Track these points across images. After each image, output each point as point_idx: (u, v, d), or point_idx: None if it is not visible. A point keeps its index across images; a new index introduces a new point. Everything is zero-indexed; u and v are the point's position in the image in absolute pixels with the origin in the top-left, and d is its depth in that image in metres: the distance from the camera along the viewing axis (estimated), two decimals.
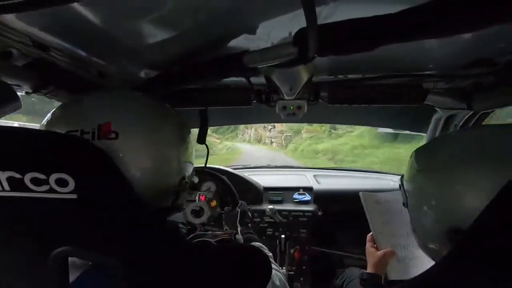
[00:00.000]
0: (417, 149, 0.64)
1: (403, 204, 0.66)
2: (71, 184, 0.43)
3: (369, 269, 0.87)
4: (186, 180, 0.68)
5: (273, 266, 0.73)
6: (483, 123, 1.12)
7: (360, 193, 1.04)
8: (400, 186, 0.67)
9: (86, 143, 0.50)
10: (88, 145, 0.48)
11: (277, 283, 0.67)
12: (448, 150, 0.56)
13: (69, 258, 0.44)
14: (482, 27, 0.42)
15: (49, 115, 0.60)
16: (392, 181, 1.76)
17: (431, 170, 0.56)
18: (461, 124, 1.14)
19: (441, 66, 0.81)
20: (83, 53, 0.65)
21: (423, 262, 0.75)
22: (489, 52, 0.69)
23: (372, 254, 0.89)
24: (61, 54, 0.64)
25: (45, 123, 0.58)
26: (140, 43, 0.61)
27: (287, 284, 0.73)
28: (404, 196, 0.64)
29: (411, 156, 0.64)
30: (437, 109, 1.13)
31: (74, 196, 0.43)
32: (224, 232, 0.71)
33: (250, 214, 1.16)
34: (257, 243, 0.93)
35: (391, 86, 0.93)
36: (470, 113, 1.07)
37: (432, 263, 0.60)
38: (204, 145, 0.84)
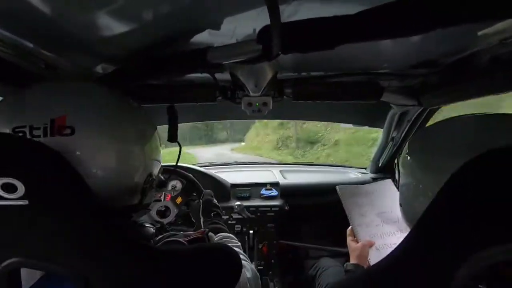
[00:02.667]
0: (414, 132, 0.72)
1: (394, 180, 0.74)
2: (21, 189, 0.39)
3: (352, 261, 0.91)
4: (154, 177, 0.65)
5: (242, 257, 0.73)
6: (431, 118, 1.23)
7: (337, 187, 1.07)
8: (395, 165, 0.74)
9: (34, 142, 0.45)
10: (36, 145, 0.44)
11: (248, 274, 0.67)
12: (428, 138, 0.64)
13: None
14: (429, 30, 0.46)
15: None
16: (354, 174, 1.86)
17: (416, 153, 0.63)
18: (412, 119, 1.24)
19: (394, 65, 0.87)
20: (28, 44, 0.59)
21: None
22: (434, 54, 0.76)
23: (353, 247, 0.93)
24: (2, 44, 0.57)
25: None
26: (95, 35, 0.57)
27: (257, 273, 0.73)
28: (397, 172, 0.71)
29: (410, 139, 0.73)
30: (392, 105, 1.21)
31: (25, 202, 0.40)
32: (196, 232, 0.70)
33: (215, 202, 1.14)
34: (224, 233, 0.92)
35: (351, 84, 0.98)
36: (420, 109, 1.17)
37: None
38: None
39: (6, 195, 0.39)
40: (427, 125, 1.22)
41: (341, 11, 0.47)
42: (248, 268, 0.68)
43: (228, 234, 0.93)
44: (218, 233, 0.91)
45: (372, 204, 1.02)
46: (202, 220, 1.04)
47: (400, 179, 0.69)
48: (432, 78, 0.89)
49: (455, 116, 0.63)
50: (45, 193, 0.42)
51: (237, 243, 0.89)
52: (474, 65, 0.74)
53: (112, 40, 0.60)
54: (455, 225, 0.39)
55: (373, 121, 1.52)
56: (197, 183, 1.17)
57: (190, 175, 1.19)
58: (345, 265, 0.92)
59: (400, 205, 0.70)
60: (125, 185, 0.58)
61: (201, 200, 1.10)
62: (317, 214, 1.68)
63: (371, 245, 0.92)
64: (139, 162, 0.60)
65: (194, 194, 1.18)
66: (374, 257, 0.91)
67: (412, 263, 0.42)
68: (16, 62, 0.66)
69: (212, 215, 1.06)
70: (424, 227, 0.44)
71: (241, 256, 0.74)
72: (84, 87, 0.59)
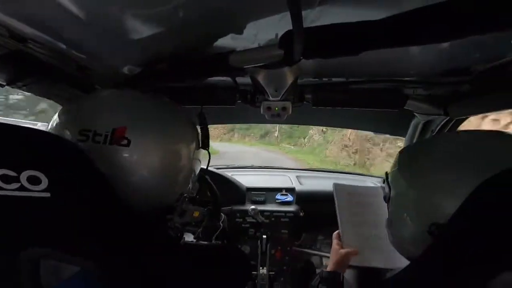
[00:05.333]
0: (401, 149, 0.67)
1: (384, 198, 0.68)
2: (44, 182, 0.41)
3: (330, 267, 0.88)
4: (190, 187, 0.69)
5: None
6: (458, 128, 1.17)
7: (334, 184, 1.05)
8: (384, 181, 0.69)
9: (60, 139, 0.47)
10: (62, 141, 0.46)
11: None
12: (428, 153, 0.59)
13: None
14: (459, 37, 0.44)
15: (56, 114, 0.59)
16: (372, 183, 1.81)
17: (409, 171, 0.59)
18: (437, 129, 1.19)
19: (421, 73, 0.84)
20: (63, 46, 0.63)
21: (388, 251, 0.76)
22: (465, 62, 0.73)
23: (336, 252, 0.90)
24: (39, 46, 0.61)
25: (55, 123, 0.57)
26: (124, 39, 0.60)
27: None
28: (388, 191, 0.66)
29: (396, 156, 0.67)
30: (416, 114, 1.17)
31: (47, 194, 0.41)
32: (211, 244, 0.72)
33: (227, 229, 1.16)
34: None
35: (373, 91, 0.96)
36: (446, 119, 1.12)
37: (396, 253, 0.63)
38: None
39: (30, 187, 0.41)
40: None
41: (365, 17, 0.46)
42: None
43: None
44: None
45: (368, 206, 0.99)
46: (214, 238, 1.06)
47: (391, 197, 0.64)
48: (461, 87, 0.85)
49: (450, 132, 0.61)
50: (67, 188, 0.43)
51: None
52: (506, 74, 0.70)
53: (140, 43, 0.62)
54: (476, 248, 0.37)
55: (395, 129, 1.47)
56: (217, 194, 1.14)
57: (208, 178, 1.17)
58: (320, 271, 0.89)
59: (389, 224, 0.66)
60: (171, 190, 0.62)
61: (221, 225, 1.12)
62: (332, 221, 1.64)
63: (355, 253, 0.89)
64: (186, 169, 0.64)
65: (208, 194, 1.18)
66: (355, 261, 0.89)
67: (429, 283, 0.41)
68: (52, 64, 0.69)
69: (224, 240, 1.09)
70: (444, 247, 0.43)
71: None
72: (143, 98, 0.63)
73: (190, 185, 0.69)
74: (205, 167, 0.81)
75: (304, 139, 14.74)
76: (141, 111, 0.59)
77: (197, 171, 0.71)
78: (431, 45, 0.54)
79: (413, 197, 0.56)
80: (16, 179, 0.40)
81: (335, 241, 0.94)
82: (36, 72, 0.69)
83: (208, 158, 0.80)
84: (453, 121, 1.13)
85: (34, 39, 0.59)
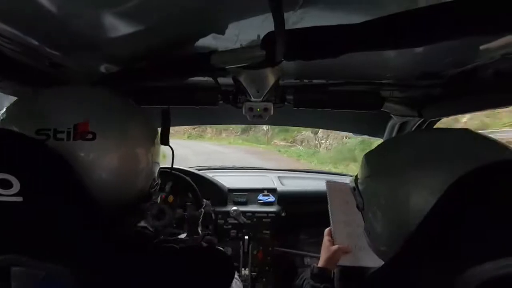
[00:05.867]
0: (367, 153, 0.63)
1: (357, 207, 0.64)
2: (16, 186, 0.39)
3: (320, 263, 0.90)
4: (157, 181, 0.67)
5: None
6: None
7: (327, 182, 1.07)
8: (354, 189, 0.64)
9: (33, 141, 0.45)
10: (35, 143, 0.44)
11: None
12: (397, 153, 0.56)
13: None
14: (433, 42, 0.46)
15: (3, 111, 0.54)
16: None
17: (381, 174, 0.56)
18: (413, 130, 1.24)
19: (397, 76, 0.87)
20: (34, 42, 0.59)
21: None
22: (437, 66, 0.76)
23: (327, 248, 0.92)
24: (8, 42, 0.57)
25: (2, 119, 0.53)
26: (100, 35, 0.57)
27: None
28: (359, 198, 0.61)
29: (362, 160, 0.63)
30: (392, 116, 1.21)
31: (19, 198, 0.39)
32: (192, 238, 0.70)
33: (213, 216, 1.14)
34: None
35: (352, 93, 0.99)
36: (420, 120, 1.17)
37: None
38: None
39: (1, 191, 0.39)
40: None
41: (345, 21, 0.47)
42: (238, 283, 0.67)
43: (220, 248, 0.93)
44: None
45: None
46: (199, 228, 1.04)
47: (365, 204, 0.60)
48: (434, 90, 0.89)
49: (412, 132, 0.60)
50: (40, 191, 0.41)
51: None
52: (476, 78, 0.74)
53: (118, 41, 0.60)
54: (450, 241, 0.39)
55: (374, 130, 1.52)
56: (195, 188, 1.16)
57: (188, 178, 1.17)
58: (312, 267, 0.90)
59: (369, 232, 0.61)
60: (135, 186, 0.60)
61: (202, 210, 1.10)
62: (314, 221, 1.66)
63: (345, 251, 0.91)
64: (147, 165, 0.63)
65: (190, 196, 1.16)
66: (346, 261, 0.90)
67: (402, 280, 0.42)
68: (21, 60, 0.65)
69: (209, 227, 1.07)
70: (415, 244, 0.44)
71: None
72: (102, 93, 0.61)
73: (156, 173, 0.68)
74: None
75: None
76: (101, 104, 0.58)
77: (158, 159, 0.70)
78: (406, 50, 0.56)
79: (387, 199, 0.53)
80: None
81: (326, 238, 0.96)
82: (4, 69, 0.65)
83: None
84: (427, 122, 1.18)
85: (2, 33, 0.55)
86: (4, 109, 0.56)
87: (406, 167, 0.52)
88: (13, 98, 0.70)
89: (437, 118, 1.11)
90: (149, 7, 0.48)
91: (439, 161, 0.49)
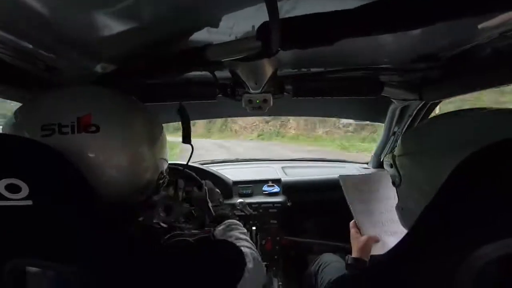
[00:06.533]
0: (404, 132, 0.67)
1: (393, 183, 0.66)
2: (25, 190, 0.40)
3: (354, 254, 0.90)
4: (165, 175, 0.68)
5: (247, 244, 0.73)
6: (433, 112, 1.22)
7: (339, 176, 1.07)
8: (391, 165, 0.66)
9: (38, 144, 0.46)
10: (40, 146, 0.45)
11: (250, 265, 0.66)
12: (435, 132, 0.57)
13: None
14: (429, 23, 0.46)
15: (13, 115, 0.56)
16: (356, 169, 1.85)
17: (418, 152, 0.58)
18: (414, 113, 1.23)
19: (395, 60, 0.87)
20: (28, 46, 0.59)
21: (403, 232, 0.78)
22: (435, 47, 0.76)
23: (356, 240, 0.92)
24: (2, 47, 0.58)
25: (11, 123, 0.55)
26: (93, 35, 0.57)
27: (261, 262, 0.72)
28: (397, 174, 0.63)
29: (400, 138, 0.65)
30: (393, 100, 1.21)
31: (28, 202, 0.40)
32: (202, 231, 0.71)
33: (218, 190, 1.15)
34: (231, 220, 0.91)
35: (351, 79, 0.98)
36: (421, 103, 1.16)
37: None
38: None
39: (10, 196, 0.39)
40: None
41: (339, 6, 0.46)
42: (250, 258, 0.67)
43: (234, 221, 0.92)
44: (224, 219, 0.91)
45: (375, 192, 1.01)
46: (210, 204, 1.04)
47: (402, 181, 0.62)
48: (432, 72, 0.88)
49: (450, 112, 0.60)
50: (49, 194, 0.42)
51: (243, 229, 0.88)
52: (475, 58, 0.74)
53: (111, 40, 0.60)
54: (455, 224, 0.39)
55: (375, 116, 1.51)
56: (193, 175, 1.16)
57: (193, 174, 1.18)
58: (346, 257, 0.91)
59: (401, 208, 0.65)
60: (140, 181, 0.61)
61: (206, 187, 1.11)
62: (320, 209, 1.68)
63: (375, 240, 0.91)
64: (152, 159, 0.64)
65: (195, 189, 1.17)
66: (377, 250, 0.90)
67: (413, 262, 0.43)
68: (16, 64, 0.66)
69: (219, 200, 1.08)
70: (423, 227, 0.44)
71: (246, 243, 0.73)
72: (104, 89, 0.63)
73: (164, 168, 0.69)
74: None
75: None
76: (103, 100, 0.60)
77: (165, 155, 0.71)
78: (402, 33, 0.55)
79: (422, 179, 0.55)
80: None
81: (353, 230, 0.96)
82: (2, 75, 0.65)
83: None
84: (429, 105, 1.17)
85: None
86: (12, 112, 0.58)
87: (440, 148, 0.53)
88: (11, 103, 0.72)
89: (438, 100, 1.10)
90: (141, 4, 0.48)
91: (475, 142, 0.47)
